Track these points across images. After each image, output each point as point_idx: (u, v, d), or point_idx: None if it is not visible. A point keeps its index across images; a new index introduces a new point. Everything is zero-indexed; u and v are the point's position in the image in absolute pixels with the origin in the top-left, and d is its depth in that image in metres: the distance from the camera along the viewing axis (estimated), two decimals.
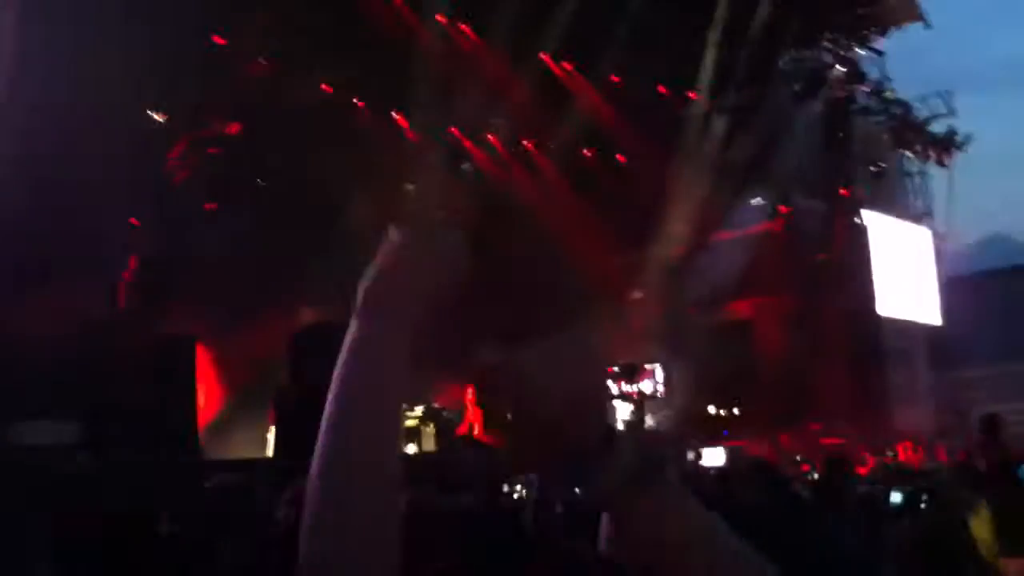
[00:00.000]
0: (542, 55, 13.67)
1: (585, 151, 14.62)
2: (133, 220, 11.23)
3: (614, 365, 12.87)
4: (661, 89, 14.35)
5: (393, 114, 13.34)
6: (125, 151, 10.44)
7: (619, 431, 1.67)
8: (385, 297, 1.80)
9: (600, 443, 1.65)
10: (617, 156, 14.79)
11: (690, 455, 11.25)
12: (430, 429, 10.60)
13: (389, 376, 1.76)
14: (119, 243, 11.01)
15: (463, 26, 13.35)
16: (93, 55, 9.83)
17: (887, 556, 4.96)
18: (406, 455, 9.88)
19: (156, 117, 11.66)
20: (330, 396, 1.76)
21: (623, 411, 12.82)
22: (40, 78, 9.59)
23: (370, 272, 1.83)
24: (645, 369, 13.14)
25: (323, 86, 12.87)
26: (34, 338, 9.61)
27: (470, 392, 11.16)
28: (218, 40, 11.89)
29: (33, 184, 9.70)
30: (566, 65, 14.11)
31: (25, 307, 9.64)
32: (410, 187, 13.21)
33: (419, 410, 10.74)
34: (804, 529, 3.54)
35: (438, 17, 13.18)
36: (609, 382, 12.67)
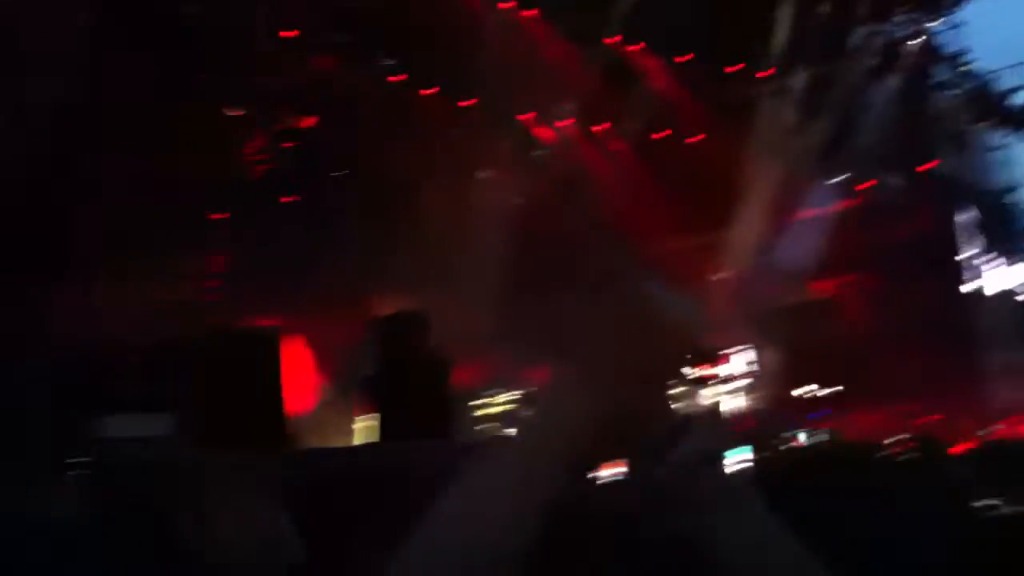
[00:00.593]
0: (608, 38, 13.56)
1: (654, 134, 14.46)
2: (216, 214, 11.26)
3: (694, 349, 12.68)
4: (731, 68, 14.17)
5: (462, 103, 13.25)
6: (206, 145, 10.59)
7: (685, 419, 1.72)
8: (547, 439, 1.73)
9: (664, 431, 1.68)
10: (686, 138, 14.62)
11: (782, 437, 11.03)
12: (528, 412, 10.47)
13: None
14: (204, 237, 11.11)
15: (527, 12, 13.27)
16: (172, 53, 9.93)
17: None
18: (506, 438, 9.79)
19: (233, 112, 11.69)
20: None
21: (703, 396, 12.61)
22: (126, 76, 9.68)
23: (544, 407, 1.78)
24: (726, 353, 12.91)
25: (390, 77, 12.84)
26: (122, 331, 9.69)
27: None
28: (286, 34, 11.92)
29: (116, 176, 9.82)
30: (632, 47, 13.98)
31: (113, 300, 9.73)
32: (482, 175, 13.21)
33: (516, 393, 10.67)
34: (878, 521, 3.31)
35: (500, 5, 13.14)
36: (689, 367, 12.48)
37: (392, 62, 12.71)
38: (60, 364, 9.79)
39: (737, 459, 4.95)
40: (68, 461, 5.51)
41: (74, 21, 10.58)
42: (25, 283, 9.63)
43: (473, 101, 12.94)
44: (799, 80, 13.95)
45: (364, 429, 9.87)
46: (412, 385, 9.28)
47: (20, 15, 10.23)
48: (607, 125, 14.35)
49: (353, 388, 10.27)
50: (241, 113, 11.93)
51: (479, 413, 11.06)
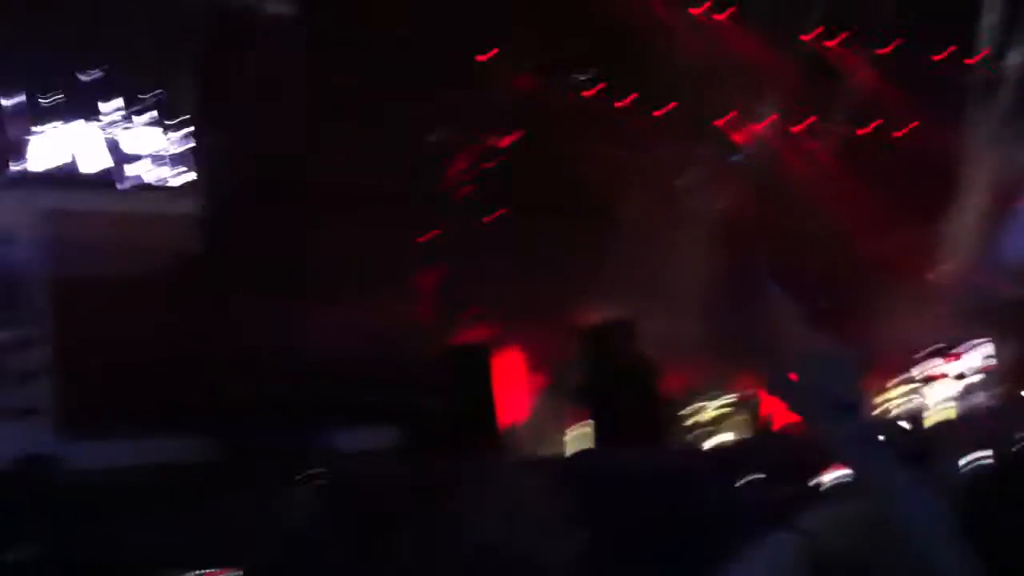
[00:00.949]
0: (806, 34, 13.33)
1: (860, 130, 14.09)
2: (426, 234, 11.69)
3: (919, 347, 12.32)
4: (938, 56, 13.68)
5: (659, 112, 13.28)
6: (414, 166, 11.08)
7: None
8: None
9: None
10: (894, 132, 14.18)
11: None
12: (741, 417, 10.51)
13: None
14: (414, 255, 11.55)
15: (719, 15, 13.19)
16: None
17: None
18: (724, 444, 9.82)
19: (434, 136, 12.12)
20: None
21: (932, 394, 12.19)
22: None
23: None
24: (955, 350, 12.44)
25: (583, 92, 13.01)
26: (341, 348, 10.22)
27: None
28: (481, 58, 12.28)
29: (335, 200, 10.37)
30: (831, 41, 13.69)
31: (331, 317, 10.27)
32: (683, 182, 13.20)
33: (729, 398, 10.67)
34: None
35: (691, 10, 13.12)
36: (918, 366, 12.11)
37: (588, 75, 12.87)
38: (296, 379, 10.44)
39: (975, 460, 4.79)
40: (305, 472, 5.85)
41: (290, 48, 11.34)
42: (263, 302, 10.33)
43: (670, 108, 12.98)
44: (1012, 63, 13.34)
45: (578, 437, 10.10)
46: (623, 393, 9.45)
47: (242, 46, 11.01)
48: (809, 123, 14.09)
49: (566, 397, 10.50)
50: (447, 135, 12.35)
51: (691, 420, 11.07)
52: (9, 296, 10.01)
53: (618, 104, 13.26)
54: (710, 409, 10.89)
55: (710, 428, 10.84)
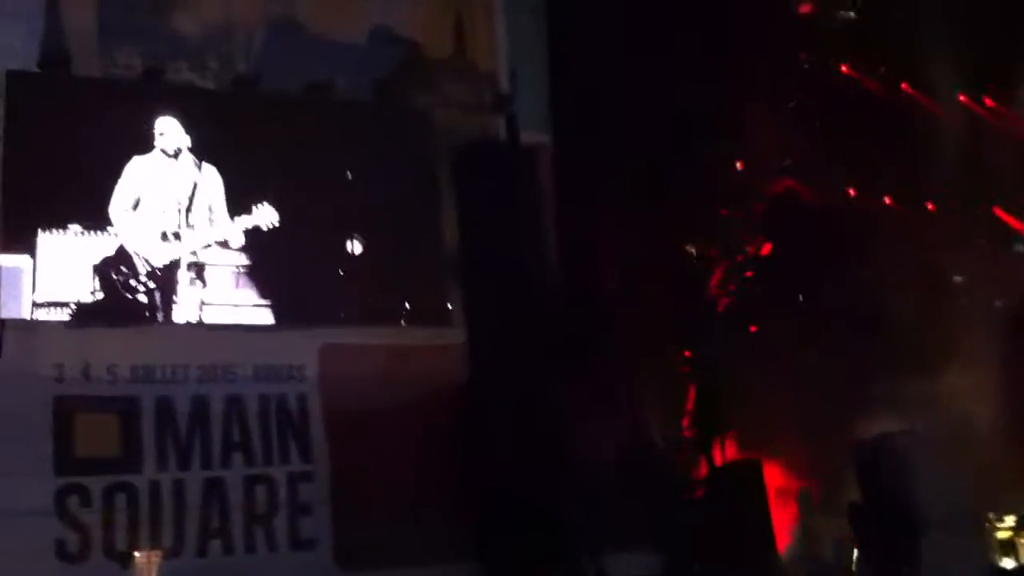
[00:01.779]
0: None
1: None
2: (687, 352, 11.60)
3: None
4: None
5: (929, 205, 12.65)
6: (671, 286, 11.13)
7: None
8: None
9: None
10: None
11: None
12: None
13: None
14: (678, 373, 11.50)
15: (988, 99, 12.53)
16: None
17: None
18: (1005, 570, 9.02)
19: (691, 250, 12.05)
20: None
21: None
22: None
23: None
24: None
25: (849, 190, 12.59)
26: (606, 466, 10.24)
27: None
28: (739, 165, 12.17)
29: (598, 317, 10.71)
30: None
31: (600, 436, 10.33)
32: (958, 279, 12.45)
33: (1011, 519, 9.82)
34: None
35: (960, 96, 12.55)
36: None
37: (848, 175, 12.48)
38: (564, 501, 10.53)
39: None
40: None
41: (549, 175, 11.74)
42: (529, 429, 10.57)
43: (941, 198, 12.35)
44: None
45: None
46: (897, 514, 8.88)
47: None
48: None
49: (840, 515, 10.02)
50: (704, 247, 12.28)
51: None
52: (292, 430, 10.65)
53: (887, 200, 12.77)
54: (1002, 529, 10.02)
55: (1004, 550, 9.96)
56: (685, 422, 11.48)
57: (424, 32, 12.33)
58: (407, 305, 11.46)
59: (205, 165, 10.83)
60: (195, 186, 10.76)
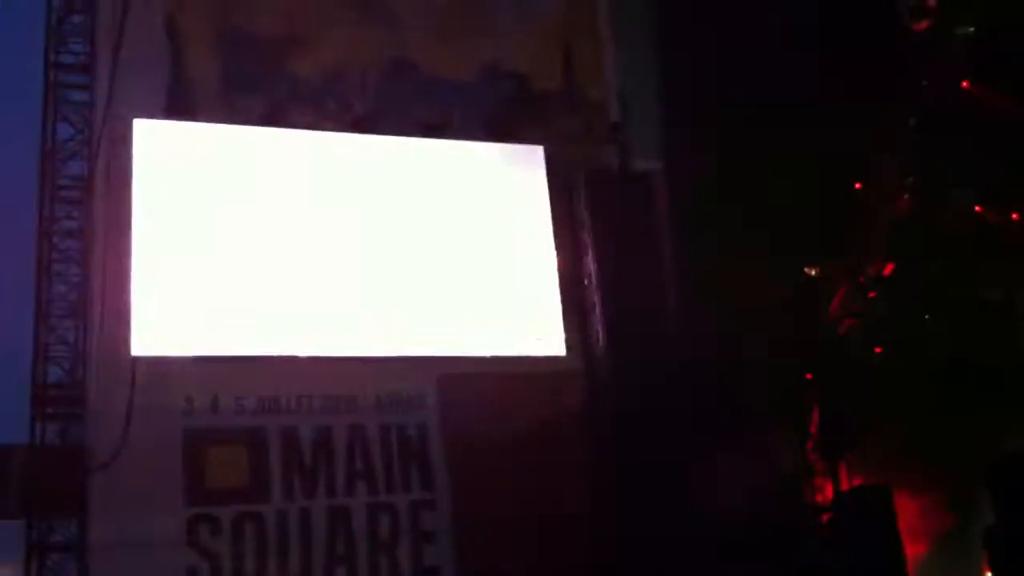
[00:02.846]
0: None
1: None
2: (808, 375, 11.36)
3: None
4: None
5: None
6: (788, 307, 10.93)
7: None
8: None
9: None
10: None
11: None
12: None
13: None
14: (800, 397, 11.26)
15: None
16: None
17: None
18: None
19: (811, 272, 11.84)
20: None
21: None
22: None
23: None
24: None
25: (976, 207, 12.21)
26: (731, 495, 10.06)
27: None
28: (857, 186, 11.94)
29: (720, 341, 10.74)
30: None
31: (720, 464, 10.18)
32: None
33: None
34: None
35: None
36: None
37: (972, 191, 12.11)
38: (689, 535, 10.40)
39: None
40: None
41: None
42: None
43: None
44: None
45: None
46: None
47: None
48: None
49: (971, 542, 9.63)
50: (825, 269, 12.06)
51: None
52: (413, 458, 10.77)
53: (1014, 216, 12.34)
54: None
55: None
56: (809, 445, 11.21)
57: (533, 65, 12.49)
58: (523, 334, 11.53)
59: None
60: None
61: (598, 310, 11.58)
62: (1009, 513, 9.38)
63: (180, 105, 10.91)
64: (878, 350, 11.50)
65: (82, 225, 10.33)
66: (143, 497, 9.67)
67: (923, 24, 12.08)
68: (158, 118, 10.74)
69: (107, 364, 9.92)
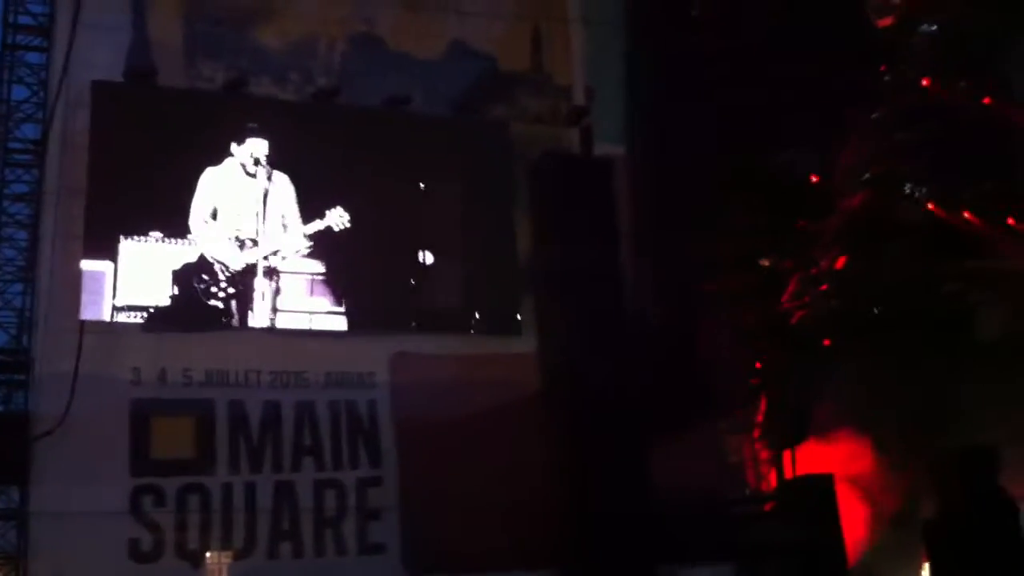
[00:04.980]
0: None
1: None
2: (758, 364, 11.44)
3: None
4: None
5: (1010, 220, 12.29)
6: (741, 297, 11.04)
7: None
8: None
9: None
10: None
11: None
12: None
13: None
14: (748, 387, 11.35)
15: None
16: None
17: None
18: None
19: (765, 263, 11.90)
20: None
21: None
22: None
23: None
24: None
25: (929, 204, 12.30)
26: (686, 482, 10.16)
27: None
28: (814, 179, 12.00)
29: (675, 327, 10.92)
30: None
31: (677, 452, 10.25)
32: None
33: None
34: None
35: None
36: None
37: (927, 189, 12.21)
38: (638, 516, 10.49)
39: None
40: None
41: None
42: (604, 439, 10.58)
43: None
44: None
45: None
46: (975, 531, 8.60)
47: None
48: None
49: (915, 532, 9.75)
50: (777, 260, 12.13)
51: None
52: (362, 436, 10.75)
53: (966, 214, 12.46)
54: None
55: None
56: (756, 434, 11.31)
57: (501, 46, 12.44)
58: (477, 315, 11.51)
59: (276, 174, 11.02)
60: (266, 193, 10.96)
61: (555, 292, 11.55)
62: (948, 507, 9.49)
63: (140, 68, 10.75)
64: (827, 343, 11.61)
65: (33, 189, 10.20)
66: (87, 467, 9.60)
67: (887, 20, 12.14)
68: (117, 80, 10.58)
69: (54, 332, 9.83)
